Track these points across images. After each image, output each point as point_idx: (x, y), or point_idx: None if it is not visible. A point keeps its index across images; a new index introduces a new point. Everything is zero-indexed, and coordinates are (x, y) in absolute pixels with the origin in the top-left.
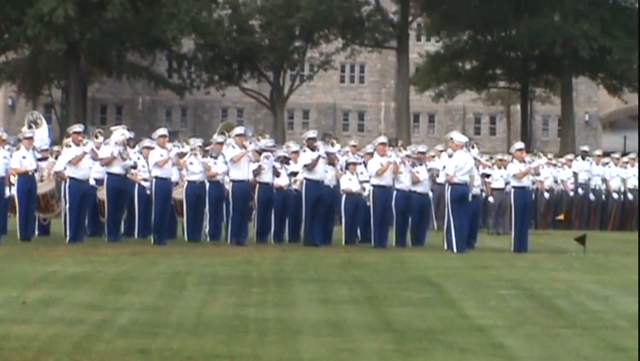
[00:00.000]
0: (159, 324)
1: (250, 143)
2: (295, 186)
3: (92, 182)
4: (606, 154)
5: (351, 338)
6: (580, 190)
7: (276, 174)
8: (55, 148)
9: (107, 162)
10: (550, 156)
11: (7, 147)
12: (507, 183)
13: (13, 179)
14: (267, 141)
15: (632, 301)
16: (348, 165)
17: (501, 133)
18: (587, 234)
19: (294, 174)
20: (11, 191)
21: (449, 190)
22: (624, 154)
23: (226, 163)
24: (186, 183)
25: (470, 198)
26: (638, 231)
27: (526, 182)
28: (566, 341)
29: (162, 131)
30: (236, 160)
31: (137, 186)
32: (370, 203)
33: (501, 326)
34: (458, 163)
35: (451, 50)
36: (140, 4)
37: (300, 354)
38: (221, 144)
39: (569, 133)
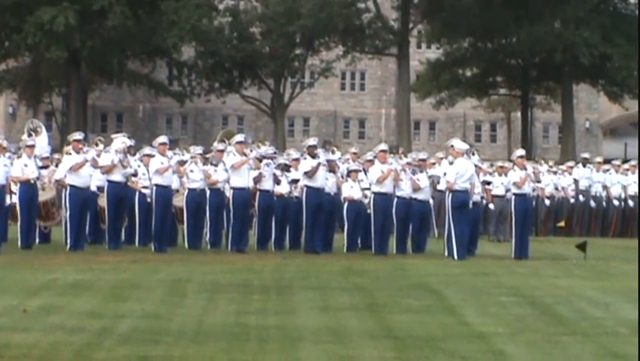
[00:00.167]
0: (160, 332)
1: (251, 150)
2: (296, 194)
3: (94, 188)
4: (607, 161)
5: (352, 345)
6: (580, 197)
7: (277, 181)
8: (56, 156)
9: (107, 170)
10: (550, 163)
11: (7, 154)
12: (507, 190)
13: (14, 187)
14: (267, 148)
15: (632, 308)
16: (349, 172)
17: (501, 140)
18: (588, 241)
19: (295, 181)
20: (12, 199)
21: (450, 197)
22: (625, 161)
23: (226, 171)
24: (187, 190)
25: (471, 206)
26: (639, 238)
27: (526, 189)
28: (566, 348)
29: (163, 138)
30: (237, 167)
31: (137, 193)
32: (371, 210)
33: (502, 333)
34: (459, 170)
35: (452, 57)
36: (140, 12)
37: None
38: (222, 151)
39: (569, 140)
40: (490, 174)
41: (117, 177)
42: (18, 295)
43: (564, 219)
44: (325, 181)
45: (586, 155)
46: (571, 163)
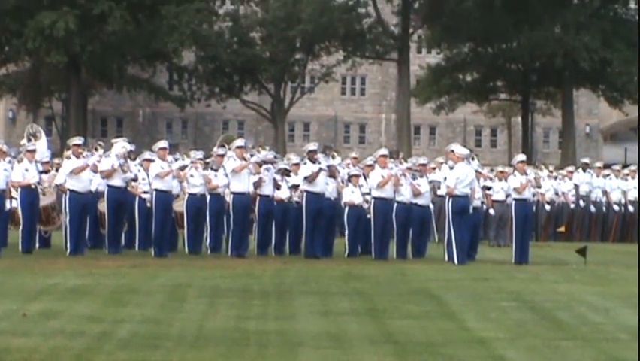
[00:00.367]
0: (160, 337)
1: (251, 155)
2: (296, 199)
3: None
4: (607, 166)
5: (352, 350)
6: (581, 202)
7: (277, 186)
8: (56, 161)
9: (107, 175)
10: (551, 168)
11: (7, 159)
12: (508, 195)
13: (15, 192)
14: (267, 153)
15: (632, 314)
16: (350, 177)
17: (502, 145)
18: (588, 246)
19: (295, 186)
20: (12, 204)
21: (450, 202)
22: (625, 166)
23: (227, 176)
24: (187, 195)
25: (471, 211)
26: (639, 243)
27: (527, 194)
28: (566, 354)
29: (162, 143)
30: (237, 172)
31: (137, 198)
32: (371, 215)
33: (502, 339)
34: (459, 175)
35: (452, 62)
36: (140, 17)
37: None
38: (222, 156)
39: (569, 145)
40: (491, 179)
41: (117, 181)
42: (18, 300)
43: (564, 224)
44: (325, 186)
45: (586, 160)
46: (571, 168)
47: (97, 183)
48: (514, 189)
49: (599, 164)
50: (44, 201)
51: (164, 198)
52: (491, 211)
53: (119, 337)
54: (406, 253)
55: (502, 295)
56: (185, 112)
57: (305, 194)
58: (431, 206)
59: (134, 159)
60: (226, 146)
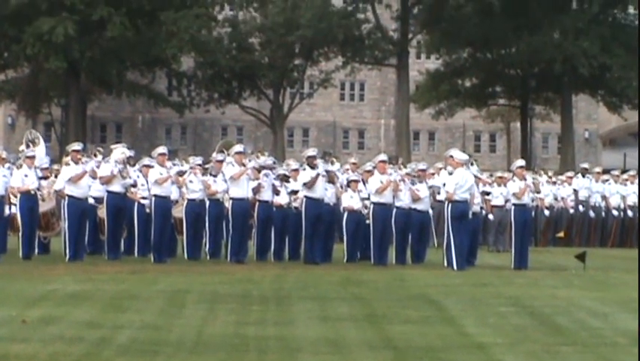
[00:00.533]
0: (159, 342)
1: (250, 160)
2: (295, 205)
3: (91, 200)
4: (606, 171)
5: (351, 356)
6: (580, 207)
7: (276, 192)
8: (55, 167)
9: (106, 181)
10: (550, 173)
11: (7, 165)
12: (507, 201)
13: (14, 198)
14: (266, 159)
15: (631, 318)
16: (349, 182)
17: (501, 150)
18: (587, 251)
19: (294, 192)
20: (11, 210)
21: (449, 208)
22: (624, 171)
23: (226, 181)
24: (186, 201)
25: (470, 216)
26: (638, 248)
27: (526, 199)
28: (566, 359)
29: (162, 149)
30: (235, 178)
31: (136, 204)
32: (370, 221)
33: (501, 344)
34: (458, 181)
35: (451, 67)
36: (140, 23)
37: None
38: (221, 162)
39: (568, 150)
40: (490, 184)
41: (116, 187)
42: (17, 306)
43: (563, 229)
44: (324, 192)
45: (585, 165)
46: (570, 173)
47: (96, 190)
48: (514, 194)
49: (598, 169)
50: (44, 207)
51: (163, 203)
52: (490, 217)
53: (118, 343)
54: (405, 258)
55: (501, 301)
56: (184, 118)
57: (304, 200)
58: (430, 211)
59: (134, 165)
60: (225, 152)
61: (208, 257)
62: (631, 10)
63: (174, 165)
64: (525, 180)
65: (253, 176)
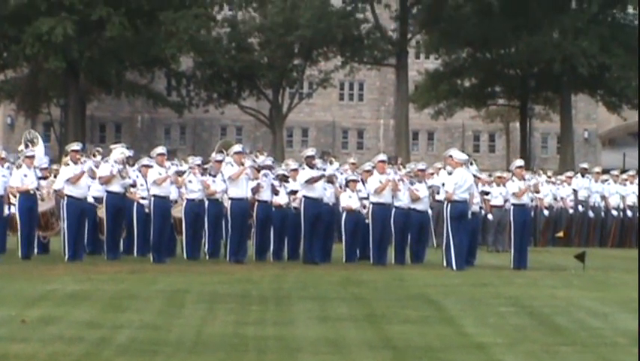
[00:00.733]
0: (158, 342)
1: (247, 160)
2: (294, 205)
3: (91, 200)
4: (605, 171)
5: (351, 355)
6: (579, 207)
7: (275, 192)
8: (55, 167)
9: (106, 181)
10: (549, 173)
11: (6, 165)
12: (506, 201)
13: (13, 198)
14: (264, 158)
15: (631, 318)
16: (348, 182)
17: (500, 150)
18: (587, 251)
19: (294, 192)
20: (10, 209)
21: (448, 208)
22: (623, 171)
23: (225, 181)
24: (185, 201)
25: (469, 216)
26: (638, 248)
27: (525, 199)
28: (565, 359)
29: (161, 149)
30: (234, 178)
31: (135, 204)
32: (369, 221)
33: (500, 344)
34: (457, 181)
35: (450, 67)
36: (139, 23)
37: None
38: (220, 162)
39: (568, 150)
40: (489, 184)
41: (116, 187)
42: (17, 306)
43: (563, 229)
44: (324, 192)
45: (584, 165)
46: (570, 173)
47: (95, 190)
48: (513, 194)
49: (597, 169)
50: (43, 206)
51: (163, 203)
52: (490, 216)
53: (117, 343)
54: (405, 258)
55: (500, 301)
56: (184, 118)
57: (303, 199)
58: (429, 211)
59: (133, 165)
60: (224, 152)
61: (207, 257)
62: (630, 9)
63: (173, 164)
64: (524, 180)
65: (252, 176)
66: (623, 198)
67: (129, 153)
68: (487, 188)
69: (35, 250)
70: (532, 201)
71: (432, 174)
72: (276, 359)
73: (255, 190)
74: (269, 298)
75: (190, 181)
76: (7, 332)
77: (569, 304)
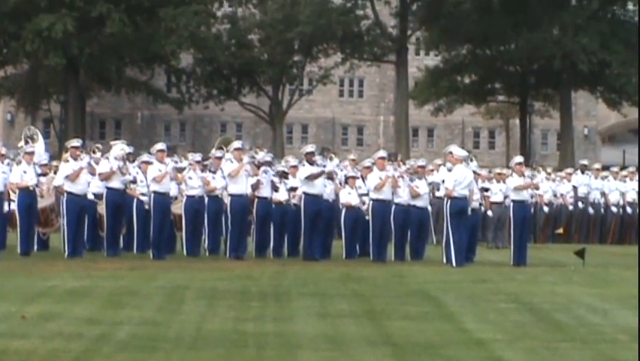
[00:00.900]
0: (158, 338)
1: (250, 157)
2: (294, 201)
3: (91, 196)
4: (605, 168)
5: (350, 352)
6: (579, 204)
7: (275, 188)
8: (55, 163)
9: (106, 177)
10: (549, 170)
11: (6, 161)
12: (506, 197)
13: (13, 194)
14: (264, 155)
15: (631, 315)
16: (347, 178)
17: (500, 147)
18: (587, 247)
19: (293, 189)
20: (10, 206)
21: (448, 204)
22: (623, 168)
23: (224, 178)
24: (185, 197)
25: (469, 212)
26: (638, 244)
27: (525, 196)
28: (565, 355)
29: (160, 145)
30: (233, 175)
31: (135, 200)
32: (369, 217)
33: (500, 340)
34: (457, 177)
35: (450, 64)
36: (138, 20)
37: None
38: (220, 158)
39: (568, 147)
40: (489, 180)
41: (116, 184)
42: (16, 302)
43: (562, 226)
44: (324, 188)
45: (584, 162)
46: (569, 170)
47: (95, 186)
48: (514, 187)
49: (597, 166)
50: (43, 203)
51: (162, 200)
52: (489, 213)
53: (117, 339)
54: (404, 254)
55: (500, 297)
56: (184, 114)
57: (303, 196)
58: (429, 208)
59: (133, 161)
60: (224, 148)
61: (207, 253)
62: (630, 6)
63: (173, 161)
64: (524, 176)
65: (252, 172)
66: (622, 194)
67: (129, 149)
68: (486, 184)
69: (35, 247)
70: (531, 197)
71: (432, 170)
72: (276, 356)
73: (255, 187)
74: (269, 294)
75: (190, 178)
76: (7, 328)
77: (569, 300)
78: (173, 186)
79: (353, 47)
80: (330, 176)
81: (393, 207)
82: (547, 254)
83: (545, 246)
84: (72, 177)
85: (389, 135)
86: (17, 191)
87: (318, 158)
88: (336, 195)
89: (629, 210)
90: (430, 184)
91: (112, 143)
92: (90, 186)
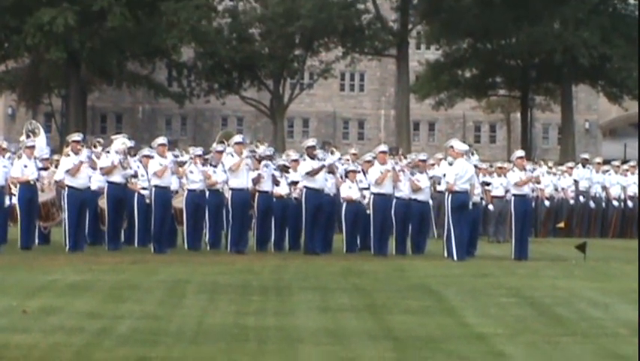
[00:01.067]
0: (159, 332)
1: (250, 151)
2: (295, 195)
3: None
4: (606, 162)
5: (351, 346)
6: (580, 198)
7: (276, 182)
8: (56, 157)
9: (107, 171)
10: (550, 164)
11: (7, 155)
12: (507, 191)
13: (14, 188)
14: (265, 149)
15: (632, 309)
16: (347, 173)
17: (501, 141)
18: (588, 241)
19: (295, 183)
20: (11, 200)
21: (449, 198)
22: (624, 162)
23: (225, 172)
24: (186, 191)
25: (470, 206)
26: (639, 238)
27: (526, 190)
28: (566, 349)
29: (161, 139)
30: (234, 169)
31: (136, 195)
32: (370, 211)
33: (501, 334)
34: (459, 171)
35: (451, 58)
36: (140, 14)
37: None
38: (221, 152)
39: (569, 141)
40: (490, 174)
41: (117, 178)
42: (17, 296)
43: (564, 220)
44: (325, 182)
45: (585, 156)
46: (570, 164)
47: (96, 180)
48: (515, 183)
49: (598, 160)
50: (44, 197)
51: (163, 194)
52: (490, 207)
53: (118, 333)
54: (406, 248)
55: (501, 291)
56: (185, 108)
57: (304, 190)
58: (430, 202)
59: (134, 156)
60: (225, 142)
61: (208, 247)
62: (631, 0)
63: (175, 155)
64: (525, 170)
65: (253, 166)
66: (624, 188)
67: (130, 143)
68: (488, 178)
69: (36, 241)
70: (533, 191)
71: (433, 164)
72: (277, 350)
73: (256, 181)
74: (270, 288)
75: (191, 172)
76: (8, 322)
77: (570, 294)
78: (174, 180)
79: (354, 41)
80: (332, 170)
81: (395, 201)
82: (549, 248)
83: (546, 240)
84: (72, 172)
85: (390, 129)
86: (18, 185)
87: (319, 152)
88: (338, 189)
89: (630, 204)
90: (431, 178)
91: (113, 137)
92: (91, 181)
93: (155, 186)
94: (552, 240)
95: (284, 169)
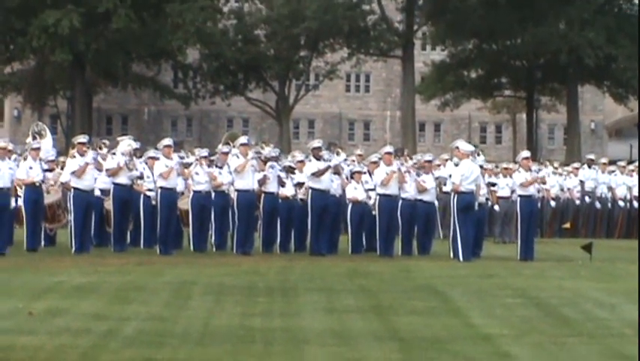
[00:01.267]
0: (165, 334)
1: (255, 152)
2: (301, 196)
3: (98, 192)
4: (612, 162)
5: (357, 347)
6: (586, 198)
7: (282, 183)
8: (62, 159)
9: (113, 173)
10: (556, 164)
11: (13, 157)
12: (513, 192)
13: (20, 190)
14: (270, 150)
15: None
16: (353, 173)
17: (507, 142)
18: (594, 242)
19: (300, 184)
20: (17, 202)
21: (455, 199)
22: (630, 162)
23: (231, 173)
24: (192, 193)
25: (476, 207)
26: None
27: (532, 190)
28: (572, 350)
29: (167, 141)
30: (239, 170)
31: (142, 196)
32: (376, 212)
33: (507, 335)
34: (464, 172)
35: (457, 58)
36: (145, 15)
37: None
38: (227, 154)
39: (574, 141)
40: (496, 175)
41: (123, 179)
42: (23, 298)
43: (569, 220)
44: (331, 183)
45: (591, 156)
46: (576, 164)
47: (102, 182)
48: (520, 184)
49: (604, 160)
50: (50, 198)
51: (169, 195)
52: (496, 208)
53: (124, 335)
54: (411, 249)
55: (507, 292)
56: (190, 110)
57: (310, 191)
58: (436, 203)
59: (140, 157)
60: (230, 143)
61: (214, 249)
62: (636, 0)
63: (180, 157)
64: (531, 171)
65: (258, 168)
66: (629, 189)
67: (136, 145)
68: (493, 179)
69: (42, 243)
70: (538, 192)
71: (439, 165)
72: (283, 351)
73: (262, 182)
74: (275, 289)
75: (197, 173)
76: (14, 324)
77: (576, 295)
78: (179, 181)
79: (359, 42)
80: (337, 171)
81: (400, 202)
82: (555, 249)
83: (552, 240)
84: (78, 173)
85: (396, 130)
86: (23, 187)
87: (324, 153)
88: (343, 190)
89: (636, 204)
90: (436, 179)
91: (119, 139)
92: (97, 182)
93: (161, 188)
94: (558, 240)
95: (289, 170)
